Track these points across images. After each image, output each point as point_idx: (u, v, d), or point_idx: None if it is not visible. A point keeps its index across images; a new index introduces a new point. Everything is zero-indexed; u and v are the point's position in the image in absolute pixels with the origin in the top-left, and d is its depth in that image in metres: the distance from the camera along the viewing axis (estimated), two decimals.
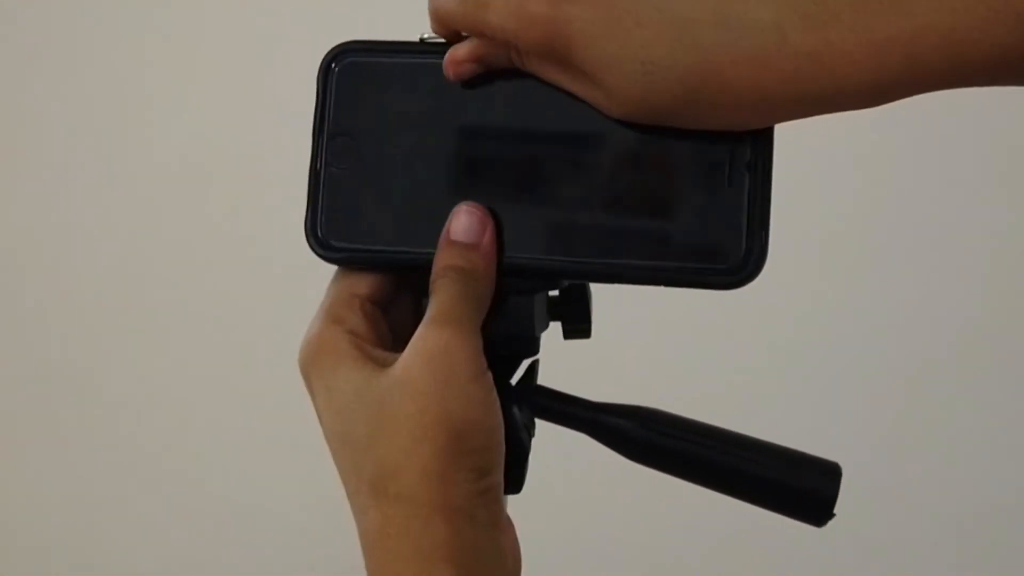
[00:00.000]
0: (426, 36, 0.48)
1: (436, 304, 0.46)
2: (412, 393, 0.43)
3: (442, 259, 0.47)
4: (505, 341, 0.49)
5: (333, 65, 0.49)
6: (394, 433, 0.43)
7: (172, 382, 1.24)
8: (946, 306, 1.19)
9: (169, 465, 1.31)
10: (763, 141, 0.45)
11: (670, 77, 0.41)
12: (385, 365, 0.45)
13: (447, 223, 0.47)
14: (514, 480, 0.50)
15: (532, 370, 0.52)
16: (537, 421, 0.52)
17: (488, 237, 0.47)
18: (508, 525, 0.46)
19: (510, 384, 0.51)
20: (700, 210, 0.46)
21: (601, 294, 0.53)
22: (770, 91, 0.41)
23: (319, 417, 0.47)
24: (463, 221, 0.47)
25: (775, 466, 0.50)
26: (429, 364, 0.44)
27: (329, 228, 0.48)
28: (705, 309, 1.09)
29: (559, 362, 0.55)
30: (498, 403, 0.45)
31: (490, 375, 0.45)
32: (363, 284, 0.49)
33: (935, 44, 0.40)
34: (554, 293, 0.52)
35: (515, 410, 0.49)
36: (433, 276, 0.47)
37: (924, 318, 1.19)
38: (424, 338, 0.45)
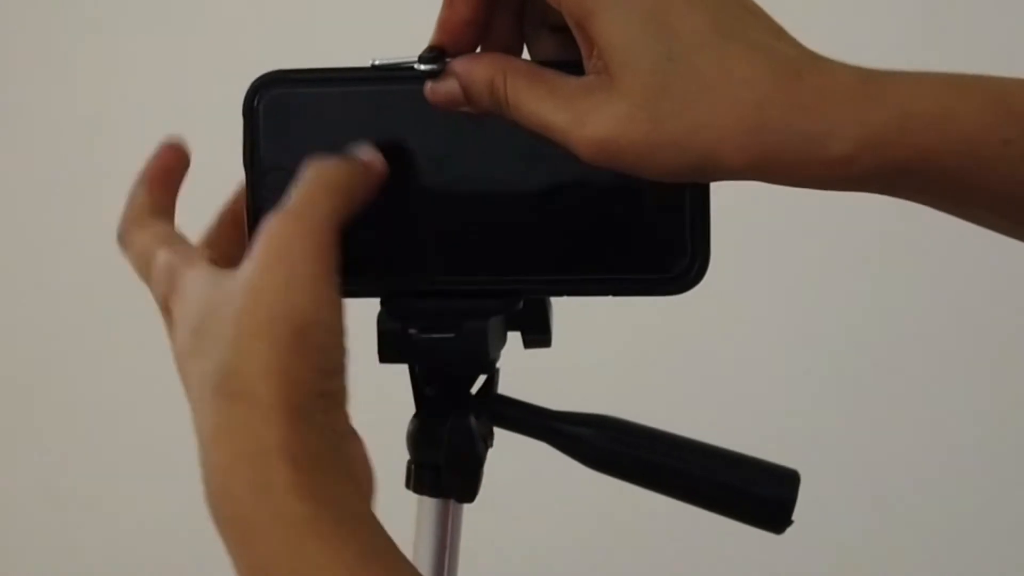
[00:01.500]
0: (378, 61, 0.48)
1: (294, 196, 0.45)
2: (252, 290, 0.42)
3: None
4: (461, 365, 0.50)
5: (257, 98, 0.48)
6: (235, 332, 0.42)
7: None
8: (927, 309, 1.19)
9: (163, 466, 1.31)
10: None
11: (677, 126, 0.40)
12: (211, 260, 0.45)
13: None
14: (467, 489, 0.50)
15: (491, 379, 0.52)
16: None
17: (380, 161, 0.47)
18: (354, 435, 0.44)
19: (469, 394, 0.51)
20: (645, 222, 0.46)
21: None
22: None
23: (172, 340, 0.46)
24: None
25: (733, 474, 0.51)
26: (271, 261, 0.43)
27: None
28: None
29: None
30: (343, 306, 0.44)
31: (337, 278, 0.44)
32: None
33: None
34: None
35: (471, 420, 0.50)
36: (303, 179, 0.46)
37: (902, 321, 1.20)
38: (269, 232, 0.43)
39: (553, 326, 0.53)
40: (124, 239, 0.48)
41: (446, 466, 0.49)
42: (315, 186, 0.45)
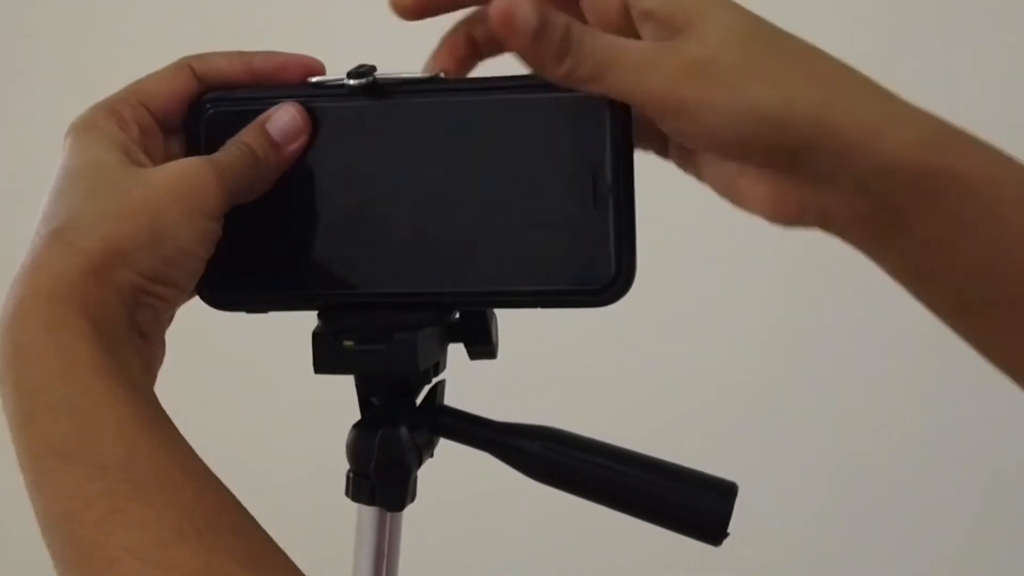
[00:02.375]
0: (315, 79, 0.49)
1: (216, 155, 0.47)
2: (144, 185, 0.45)
3: (247, 135, 0.48)
4: (393, 376, 0.50)
5: (199, 115, 0.50)
6: (109, 201, 0.44)
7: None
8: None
9: None
10: (623, 163, 0.46)
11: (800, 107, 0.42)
12: (138, 165, 0.47)
13: (270, 112, 0.49)
14: (395, 499, 0.51)
15: (436, 390, 0.53)
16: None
17: (296, 146, 0.48)
18: (157, 344, 0.46)
19: (412, 404, 0.52)
20: (570, 234, 0.47)
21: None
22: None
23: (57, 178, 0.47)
24: (284, 120, 0.48)
25: (671, 486, 0.51)
26: (175, 179, 0.45)
27: (214, 277, 0.49)
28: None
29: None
30: (211, 250, 0.46)
31: (219, 229, 0.46)
32: (155, 100, 0.49)
33: None
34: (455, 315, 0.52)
35: (402, 431, 0.50)
36: (230, 142, 0.48)
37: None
38: (187, 162, 0.46)
39: (497, 338, 0.53)
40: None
41: (374, 476, 0.50)
42: (240, 162, 0.47)
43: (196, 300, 0.50)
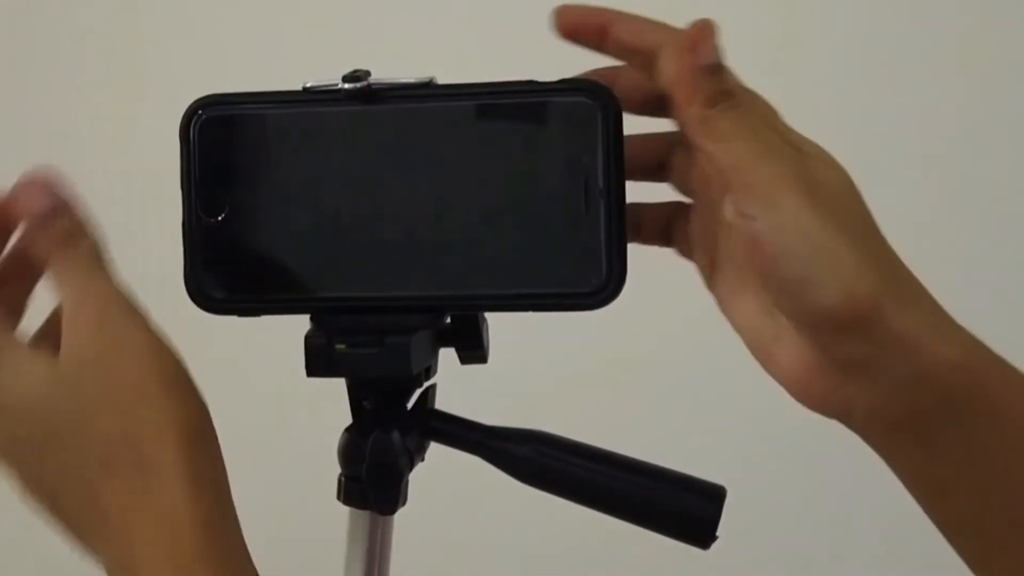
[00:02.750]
0: (310, 84, 0.49)
1: (73, 294, 0.46)
2: (102, 364, 0.44)
3: (46, 233, 0.46)
4: (385, 379, 0.51)
5: (195, 119, 0.50)
6: (111, 406, 0.44)
7: None
8: None
9: None
10: (615, 167, 0.47)
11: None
12: (32, 355, 0.45)
13: (18, 193, 0.47)
14: (386, 503, 0.51)
15: (427, 393, 0.53)
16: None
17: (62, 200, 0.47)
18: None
19: (404, 408, 0.52)
20: (562, 238, 0.47)
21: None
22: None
23: (5, 436, 0.45)
24: (39, 195, 0.47)
25: (661, 490, 0.51)
26: (91, 355, 0.44)
27: (207, 280, 0.49)
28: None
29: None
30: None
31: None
32: None
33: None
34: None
35: (395, 435, 0.51)
36: (43, 258, 0.46)
37: None
38: (74, 331, 0.45)
39: (489, 342, 0.54)
40: None
41: (366, 479, 0.50)
42: (83, 260, 0.46)
43: (188, 303, 0.50)
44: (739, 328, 0.48)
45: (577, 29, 0.47)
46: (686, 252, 0.50)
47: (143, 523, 0.43)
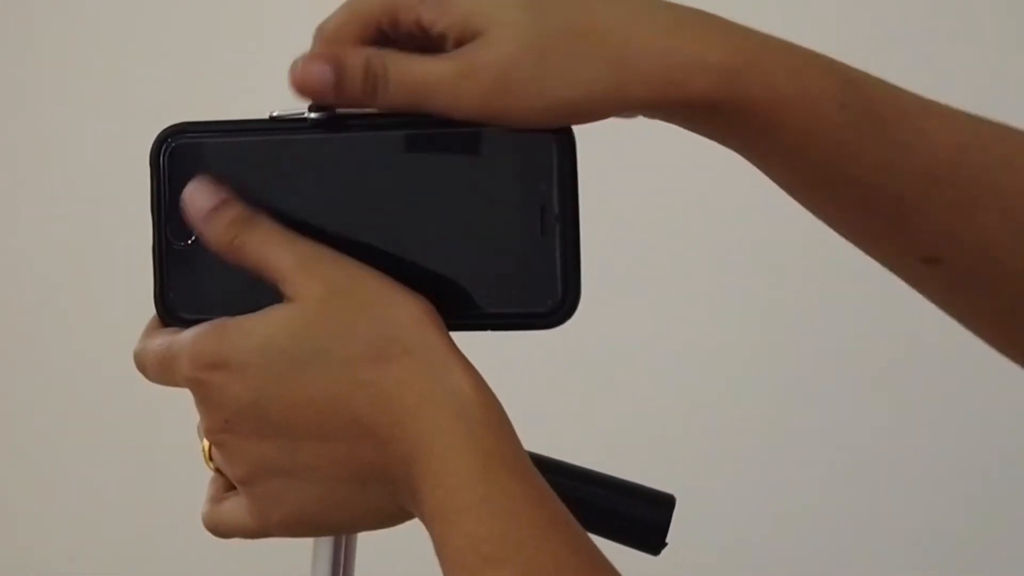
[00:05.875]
0: (277, 113, 0.51)
1: (278, 263, 0.48)
2: (342, 289, 0.46)
3: (220, 224, 0.49)
4: None
5: (164, 147, 0.51)
6: (365, 312, 0.46)
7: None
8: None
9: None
10: (569, 194, 0.49)
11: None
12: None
13: (187, 201, 0.49)
14: None
15: None
16: None
17: (222, 189, 0.49)
18: None
19: None
20: (519, 261, 0.49)
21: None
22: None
23: (249, 386, 0.46)
24: (200, 192, 0.49)
25: (614, 498, 0.53)
26: (329, 287, 0.47)
27: (177, 301, 0.51)
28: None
29: None
30: None
31: None
32: None
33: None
34: None
35: None
36: (226, 242, 0.48)
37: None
38: (307, 274, 0.47)
39: None
40: (137, 355, 0.50)
41: None
42: (277, 243, 0.49)
43: None
44: None
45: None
46: None
47: (430, 398, 0.44)
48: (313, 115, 0.50)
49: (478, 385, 0.45)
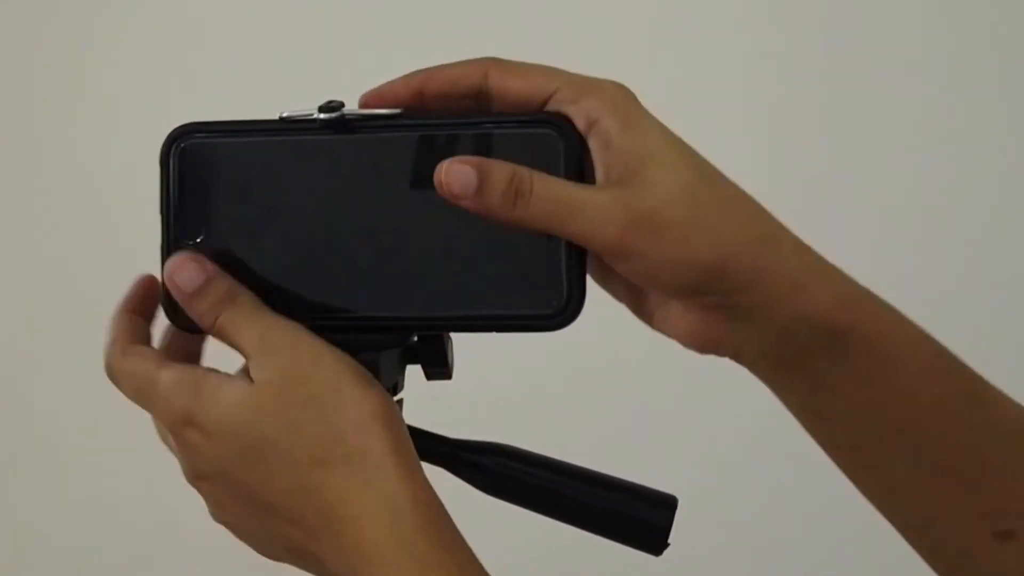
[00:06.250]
0: (287, 114, 0.52)
1: (244, 341, 0.50)
2: (296, 380, 0.48)
3: (202, 305, 0.50)
4: None
5: (174, 146, 0.52)
6: (314, 410, 0.47)
7: None
8: None
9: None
10: None
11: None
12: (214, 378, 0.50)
13: (171, 280, 0.51)
14: None
15: None
16: None
17: (210, 267, 0.51)
18: None
19: None
20: (524, 262, 0.50)
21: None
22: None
23: (218, 455, 0.49)
24: (183, 273, 0.51)
25: (616, 499, 0.54)
26: (285, 375, 0.48)
27: None
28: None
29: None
30: None
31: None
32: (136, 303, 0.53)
33: None
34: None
35: None
36: (208, 325, 0.51)
37: None
38: (267, 357, 0.49)
39: (453, 360, 0.56)
40: (114, 369, 0.52)
41: None
42: (247, 314, 0.51)
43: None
44: (615, 295, 0.52)
45: (394, 98, 0.51)
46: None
47: (366, 508, 0.46)
48: (323, 116, 0.51)
49: (414, 490, 0.47)
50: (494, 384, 1.16)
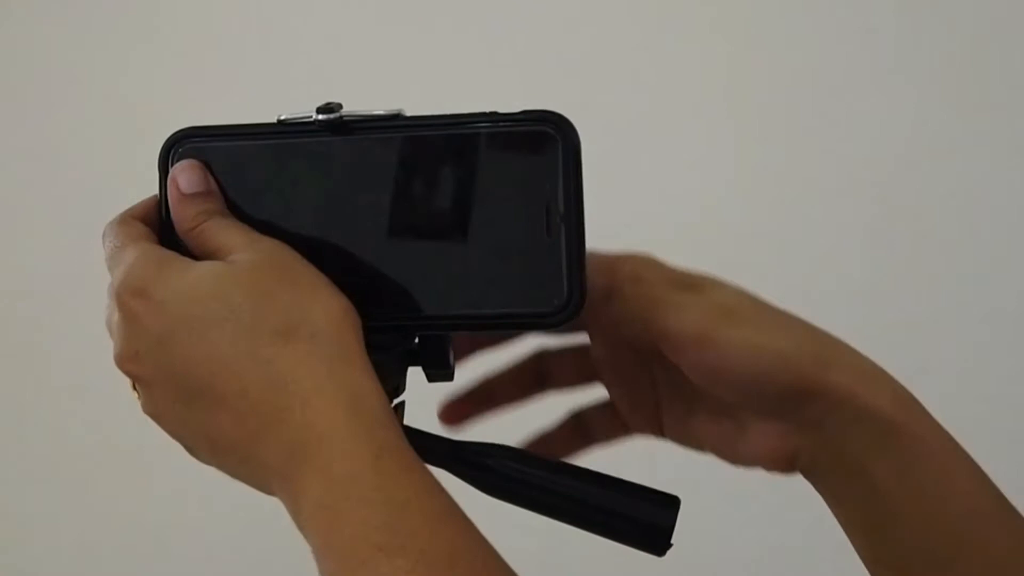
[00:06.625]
0: (284, 117, 0.52)
1: (230, 239, 0.49)
2: (277, 263, 0.48)
3: (193, 208, 0.50)
4: None
5: (173, 150, 0.52)
6: (288, 288, 0.47)
7: None
8: None
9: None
10: (575, 194, 0.49)
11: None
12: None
13: (173, 178, 0.51)
14: None
15: (397, 410, 0.55)
16: None
17: (212, 183, 0.51)
18: None
19: None
20: (525, 261, 0.50)
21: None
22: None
23: (162, 324, 0.47)
24: (188, 175, 0.51)
25: (620, 500, 0.53)
26: (266, 258, 0.48)
27: None
28: None
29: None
30: None
31: None
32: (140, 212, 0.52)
33: None
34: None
35: None
36: (191, 226, 0.50)
37: None
38: (251, 245, 0.49)
39: (454, 362, 0.56)
40: (105, 229, 0.51)
41: None
42: (228, 223, 0.51)
43: None
44: (703, 445, 0.55)
45: (467, 415, 0.54)
46: (620, 432, 0.58)
47: (324, 388, 0.44)
48: (321, 117, 0.50)
49: (374, 381, 0.46)
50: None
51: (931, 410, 0.51)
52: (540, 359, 0.57)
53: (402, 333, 0.52)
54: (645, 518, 0.53)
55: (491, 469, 0.53)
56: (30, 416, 1.38)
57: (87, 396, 1.34)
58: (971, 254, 1.18)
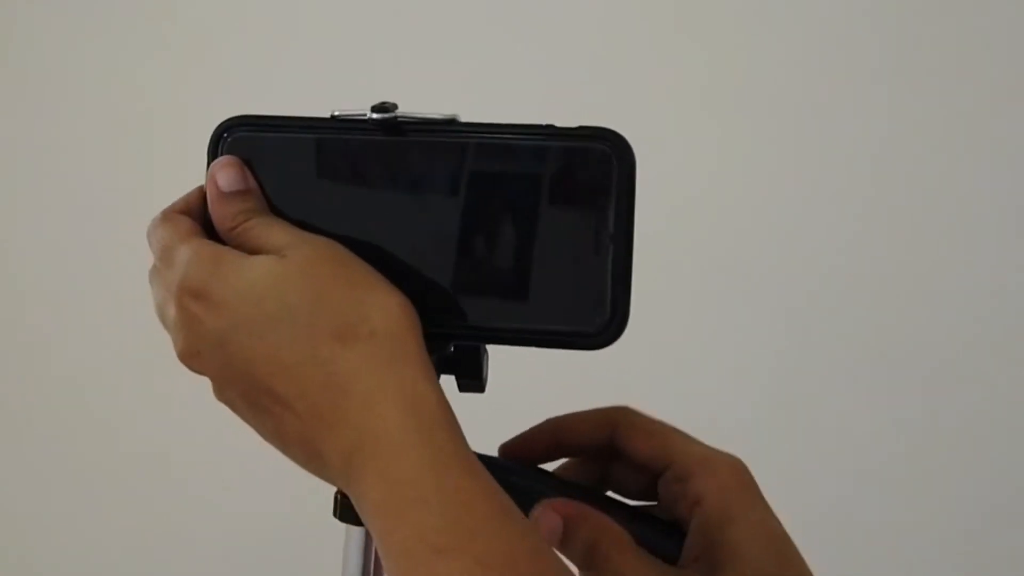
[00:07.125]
0: (338, 112, 0.51)
1: (276, 238, 0.48)
2: (331, 259, 0.47)
3: (233, 207, 0.50)
4: None
5: (222, 140, 0.51)
6: (344, 286, 0.46)
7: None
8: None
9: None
10: (625, 213, 0.48)
11: None
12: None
13: (212, 176, 0.50)
14: None
15: None
16: None
17: (252, 180, 0.50)
18: None
19: None
20: (570, 278, 0.49)
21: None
22: None
23: (221, 326, 0.47)
24: (227, 173, 0.50)
25: (625, 526, 0.52)
26: (320, 254, 0.47)
27: None
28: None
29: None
30: None
31: None
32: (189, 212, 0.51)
33: None
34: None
35: None
36: (231, 225, 0.49)
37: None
38: (303, 242, 0.48)
39: (488, 374, 0.55)
40: (149, 230, 0.51)
41: None
42: (268, 221, 0.50)
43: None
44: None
45: (530, 451, 0.53)
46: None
47: (383, 390, 0.44)
48: (376, 116, 0.50)
49: (434, 383, 0.45)
50: (493, 384, 1.16)
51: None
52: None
53: (440, 340, 0.51)
54: (652, 545, 0.51)
55: (513, 487, 0.52)
56: (30, 416, 1.38)
57: (87, 396, 1.34)
58: (965, 253, 1.17)
